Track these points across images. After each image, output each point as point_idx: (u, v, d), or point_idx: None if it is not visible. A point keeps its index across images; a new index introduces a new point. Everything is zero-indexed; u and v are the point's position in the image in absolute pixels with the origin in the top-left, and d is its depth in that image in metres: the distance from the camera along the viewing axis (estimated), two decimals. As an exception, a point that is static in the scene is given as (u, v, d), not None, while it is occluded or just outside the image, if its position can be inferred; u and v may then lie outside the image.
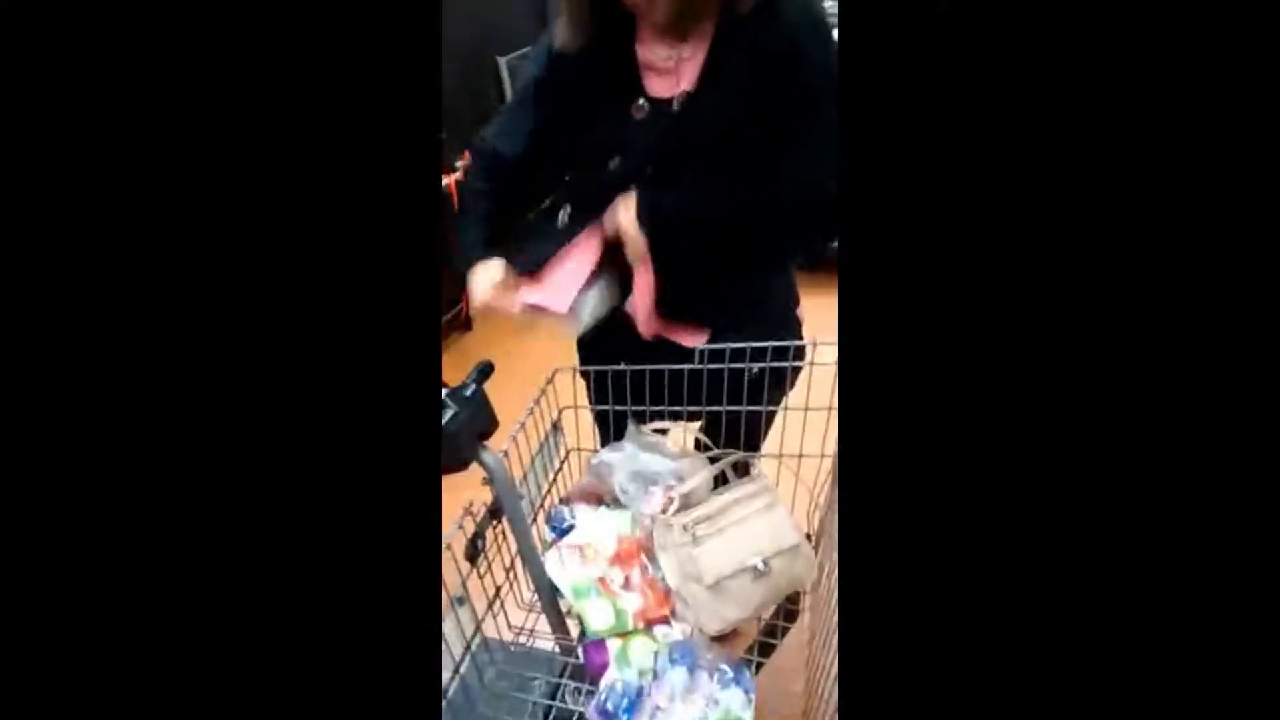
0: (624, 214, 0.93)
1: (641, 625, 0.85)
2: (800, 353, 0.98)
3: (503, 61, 2.71)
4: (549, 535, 0.97)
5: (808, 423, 0.98)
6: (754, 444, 1.03)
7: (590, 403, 1.09)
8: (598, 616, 0.84)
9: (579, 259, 0.98)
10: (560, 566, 0.88)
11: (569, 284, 0.97)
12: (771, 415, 1.04)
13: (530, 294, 0.99)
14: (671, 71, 0.91)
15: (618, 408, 1.03)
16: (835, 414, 0.96)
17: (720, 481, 0.94)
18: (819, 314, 1.17)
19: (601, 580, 0.86)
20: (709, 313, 1.02)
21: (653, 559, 0.88)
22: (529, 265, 1.00)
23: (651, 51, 0.91)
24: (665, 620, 0.86)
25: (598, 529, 0.92)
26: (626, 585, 0.87)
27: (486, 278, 0.99)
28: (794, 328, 1.11)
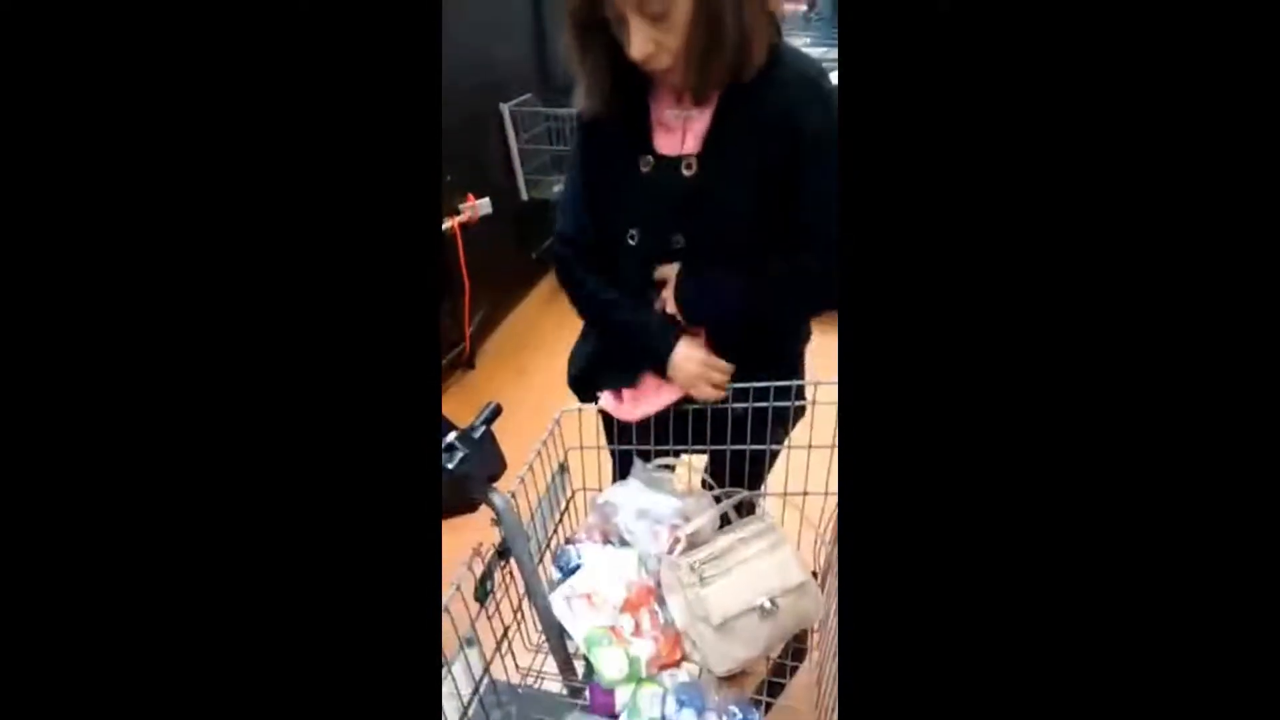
0: (700, 360, 0.99)
1: (655, 671, 0.85)
2: (801, 392, 1.00)
3: (505, 108, 2.78)
4: (555, 575, 0.97)
5: (812, 460, 1.00)
6: (756, 483, 1.05)
7: (611, 441, 1.10)
8: (611, 666, 0.83)
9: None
10: (570, 615, 0.89)
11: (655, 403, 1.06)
12: (775, 454, 1.06)
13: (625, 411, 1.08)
14: (678, 130, 0.94)
15: (623, 447, 1.05)
16: (838, 451, 0.98)
17: (725, 521, 0.94)
18: (821, 354, 1.19)
19: (613, 629, 0.86)
20: (733, 360, 1.03)
21: (662, 603, 0.88)
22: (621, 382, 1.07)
23: (662, 111, 0.94)
24: (677, 664, 0.86)
25: (605, 572, 0.92)
26: (637, 632, 0.87)
27: (690, 360, 1.00)
28: (799, 366, 1.13)
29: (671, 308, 0.99)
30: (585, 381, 1.13)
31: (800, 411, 1.04)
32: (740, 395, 0.98)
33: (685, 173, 0.93)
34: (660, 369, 1.01)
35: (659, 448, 1.02)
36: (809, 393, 1.01)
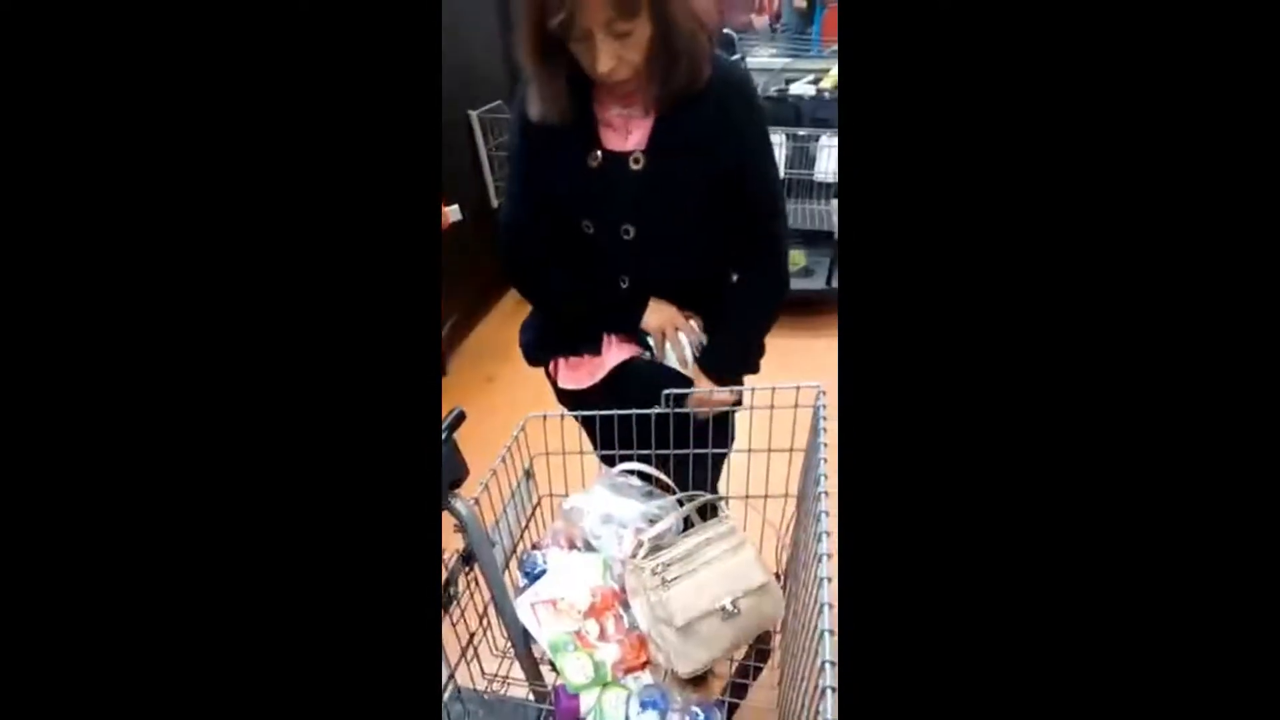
0: (711, 399, 1.09)
1: (620, 675, 0.85)
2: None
3: (474, 115, 2.78)
4: (522, 581, 0.97)
5: (772, 463, 1.01)
6: (713, 486, 1.10)
7: (594, 444, 1.14)
8: (575, 671, 0.84)
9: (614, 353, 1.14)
10: (536, 621, 0.89)
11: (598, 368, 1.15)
12: (724, 457, 1.13)
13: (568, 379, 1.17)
14: (622, 127, 1.01)
15: (603, 453, 1.06)
16: (798, 455, 1.00)
17: (688, 524, 0.96)
18: (777, 354, 1.21)
19: (578, 634, 0.87)
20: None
21: (627, 607, 0.89)
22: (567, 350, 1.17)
23: (606, 110, 1.01)
24: (642, 667, 0.87)
25: (570, 577, 0.93)
26: (603, 636, 0.87)
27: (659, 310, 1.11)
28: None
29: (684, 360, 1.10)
30: (535, 348, 1.23)
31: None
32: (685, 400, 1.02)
33: (634, 166, 1.00)
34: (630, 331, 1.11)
35: (623, 453, 1.03)
36: (771, 397, 1.03)
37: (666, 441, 1.03)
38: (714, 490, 1.13)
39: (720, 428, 1.08)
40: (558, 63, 0.93)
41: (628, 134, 1.01)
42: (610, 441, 1.04)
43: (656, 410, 1.01)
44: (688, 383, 1.09)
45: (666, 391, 1.01)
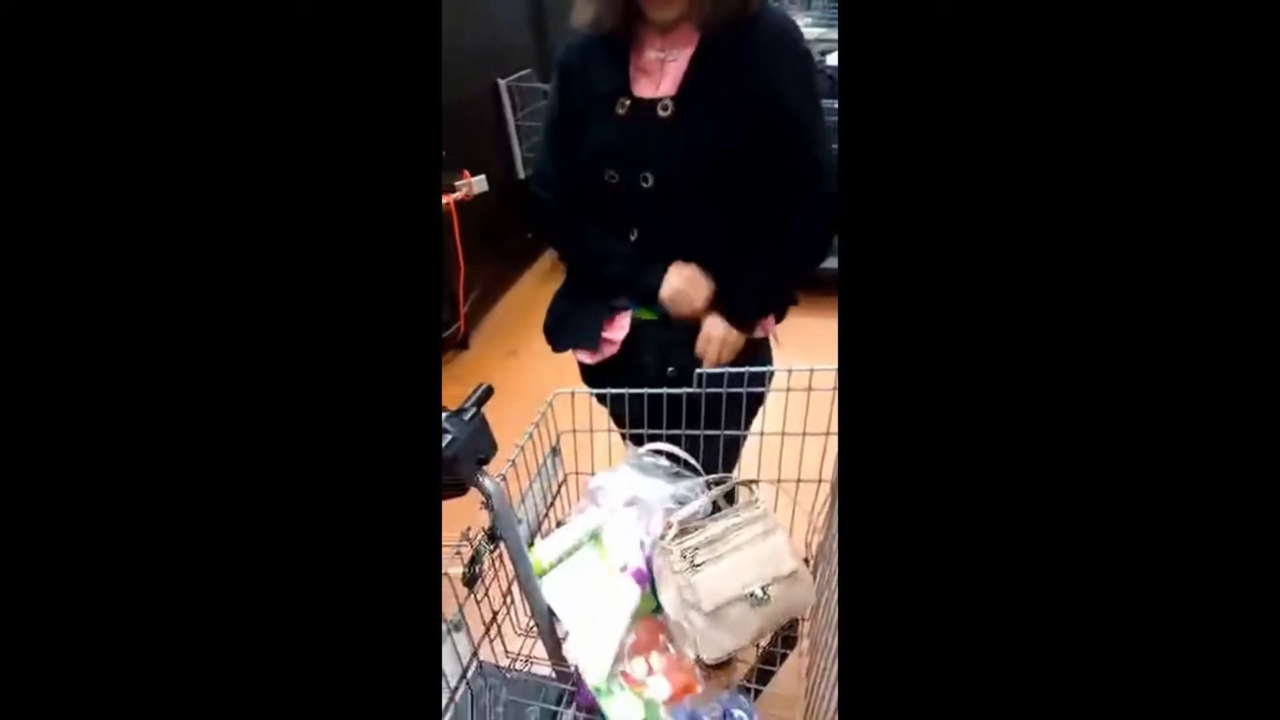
0: (724, 338, 1.06)
1: (674, 704, 0.82)
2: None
3: (502, 83, 2.74)
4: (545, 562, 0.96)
5: (806, 447, 0.99)
6: (729, 467, 1.08)
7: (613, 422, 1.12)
8: (624, 712, 0.80)
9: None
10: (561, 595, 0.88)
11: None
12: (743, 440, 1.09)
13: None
14: (656, 73, 0.99)
15: (615, 430, 1.04)
16: (833, 439, 0.97)
17: (717, 507, 0.94)
18: (813, 336, 1.18)
19: (624, 674, 0.83)
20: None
21: (672, 639, 0.86)
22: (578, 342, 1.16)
23: (644, 51, 0.99)
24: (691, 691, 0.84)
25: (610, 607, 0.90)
26: (650, 673, 0.84)
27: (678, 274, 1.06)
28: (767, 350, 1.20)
29: (726, 338, 1.07)
30: (552, 334, 1.21)
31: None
32: (717, 380, 0.98)
33: (661, 114, 0.98)
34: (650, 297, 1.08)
35: (651, 431, 1.01)
36: (805, 379, 1.00)
37: (695, 420, 1.01)
38: (729, 469, 1.09)
39: (748, 404, 1.03)
40: None
41: (660, 79, 0.98)
42: (634, 418, 1.01)
43: (687, 390, 0.98)
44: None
45: (699, 370, 0.98)
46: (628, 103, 0.99)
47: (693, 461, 1.01)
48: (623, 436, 1.08)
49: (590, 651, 0.83)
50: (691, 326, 1.09)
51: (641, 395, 1.00)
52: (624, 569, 0.88)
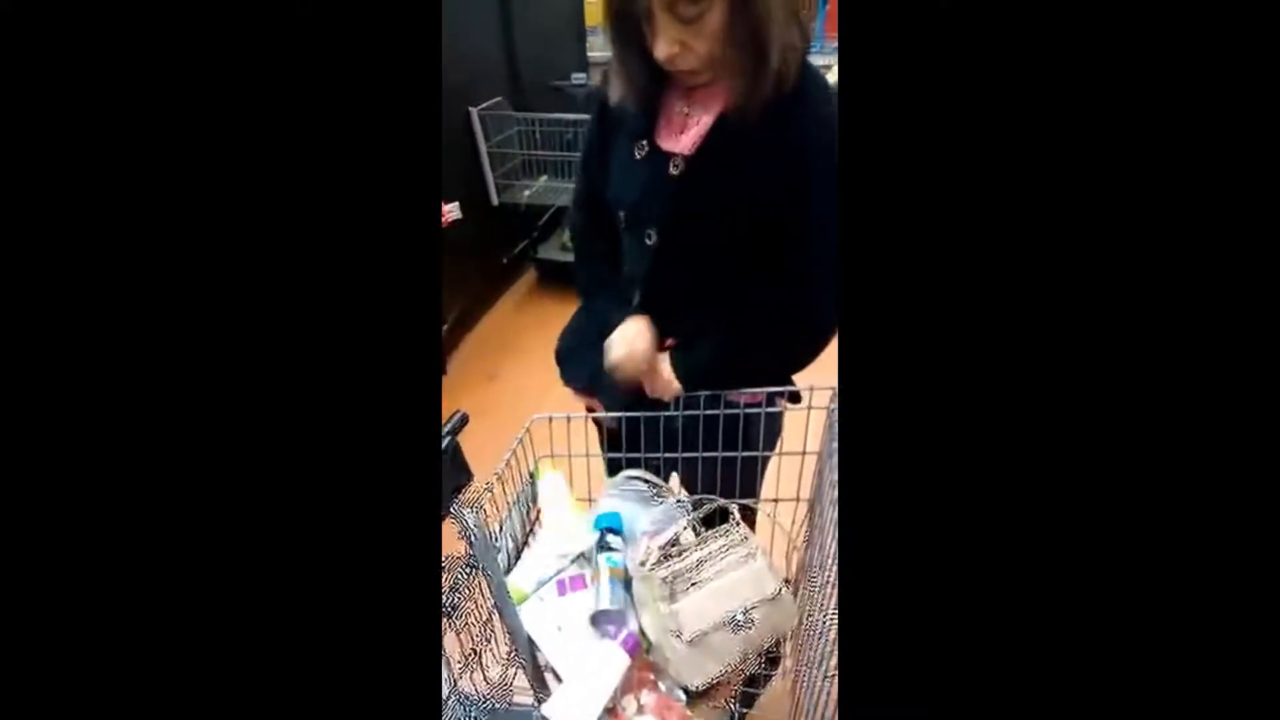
0: (663, 380, 1.00)
1: None
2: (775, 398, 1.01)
3: (474, 112, 2.75)
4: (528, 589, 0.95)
5: (783, 467, 0.99)
6: (749, 491, 1.05)
7: (602, 446, 1.11)
8: None
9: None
10: (542, 617, 0.86)
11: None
12: (765, 461, 1.05)
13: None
14: (679, 125, 0.93)
15: (594, 455, 1.04)
16: (810, 458, 0.97)
17: (703, 528, 0.94)
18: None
19: (613, 711, 0.82)
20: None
21: (660, 676, 0.85)
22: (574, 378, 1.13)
23: (671, 103, 0.94)
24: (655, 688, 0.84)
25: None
26: (640, 711, 0.83)
27: (625, 337, 1.00)
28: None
29: (669, 387, 1.00)
30: (561, 363, 1.18)
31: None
32: (714, 402, 0.98)
33: (672, 171, 0.92)
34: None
35: (646, 455, 1.02)
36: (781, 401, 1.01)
37: (693, 444, 1.00)
38: (754, 494, 1.06)
39: (756, 429, 0.99)
40: (632, 42, 0.86)
41: (681, 134, 0.93)
42: (629, 443, 1.01)
43: (683, 413, 0.99)
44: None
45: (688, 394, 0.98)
46: (646, 147, 0.95)
47: (659, 483, 1.01)
48: (618, 462, 1.07)
49: (572, 714, 0.82)
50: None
51: (639, 418, 1.00)
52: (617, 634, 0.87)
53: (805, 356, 0.99)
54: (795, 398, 1.01)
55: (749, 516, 1.04)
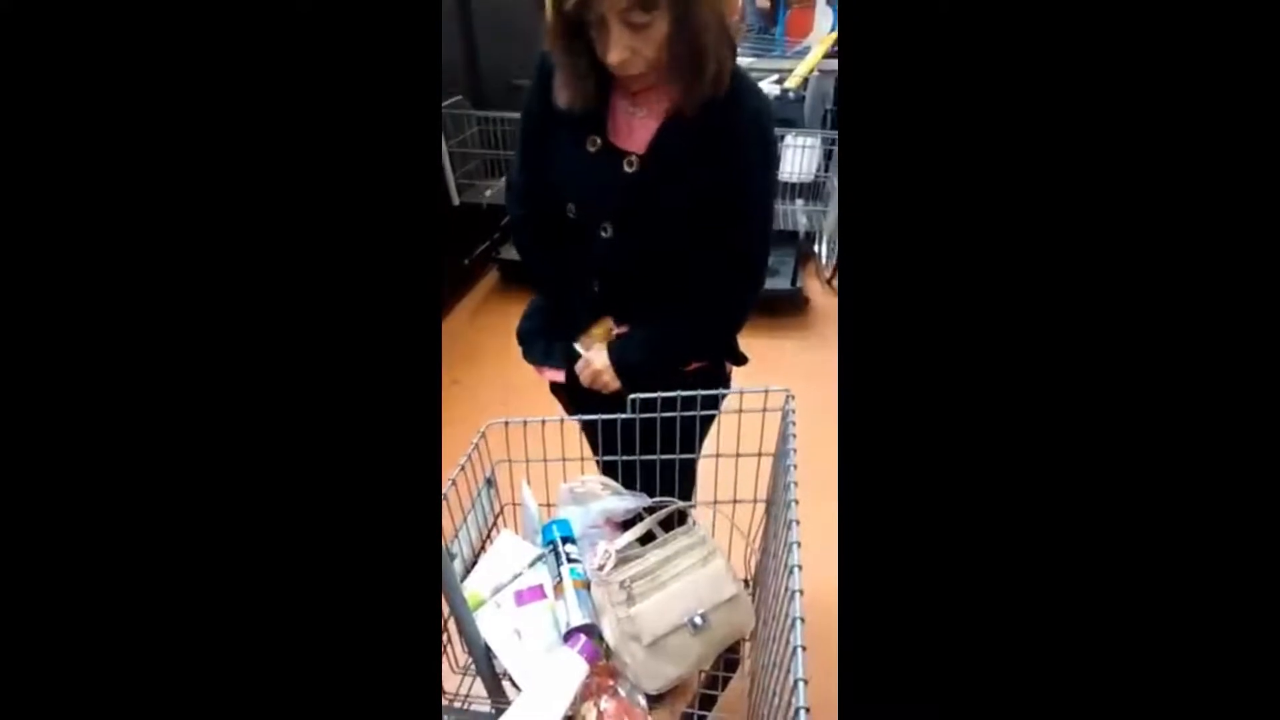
0: (598, 368, 1.09)
1: None
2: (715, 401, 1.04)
3: (433, 110, 2.73)
4: (485, 593, 0.94)
5: (740, 469, 0.99)
6: (681, 491, 1.06)
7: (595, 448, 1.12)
8: None
9: None
10: (499, 622, 0.85)
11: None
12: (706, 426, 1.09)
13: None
14: (626, 126, 0.99)
15: (552, 460, 1.03)
16: (765, 460, 0.98)
17: (659, 532, 0.93)
18: (753, 357, 1.20)
19: None
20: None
21: (620, 680, 0.85)
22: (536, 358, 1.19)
23: (619, 104, 1.00)
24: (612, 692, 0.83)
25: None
26: (600, 718, 0.82)
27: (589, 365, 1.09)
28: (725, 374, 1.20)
29: (604, 376, 1.09)
30: (524, 343, 1.23)
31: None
32: (669, 404, 0.98)
33: (626, 169, 0.98)
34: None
35: (617, 458, 1.02)
36: (739, 401, 1.01)
37: (631, 446, 1.00)
38: (687, 497, 1.09)
39: (686, 433, 1.03)
40: (580, 49, 0.91)
41: (630, 134, 0.99)
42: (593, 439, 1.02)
43: (622, 416, 0.98)
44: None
45: (632, 396, 0.98)
46: (599, 142, 0.99)
47: (618, 487, 1.00)
48: (598, 464, 1.09)
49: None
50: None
51: (597, 420, 1.00)
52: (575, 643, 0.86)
53: (749, 294, 1.09)
54: (739, 359, 1.15)
55: (690, 472, 1.12)
